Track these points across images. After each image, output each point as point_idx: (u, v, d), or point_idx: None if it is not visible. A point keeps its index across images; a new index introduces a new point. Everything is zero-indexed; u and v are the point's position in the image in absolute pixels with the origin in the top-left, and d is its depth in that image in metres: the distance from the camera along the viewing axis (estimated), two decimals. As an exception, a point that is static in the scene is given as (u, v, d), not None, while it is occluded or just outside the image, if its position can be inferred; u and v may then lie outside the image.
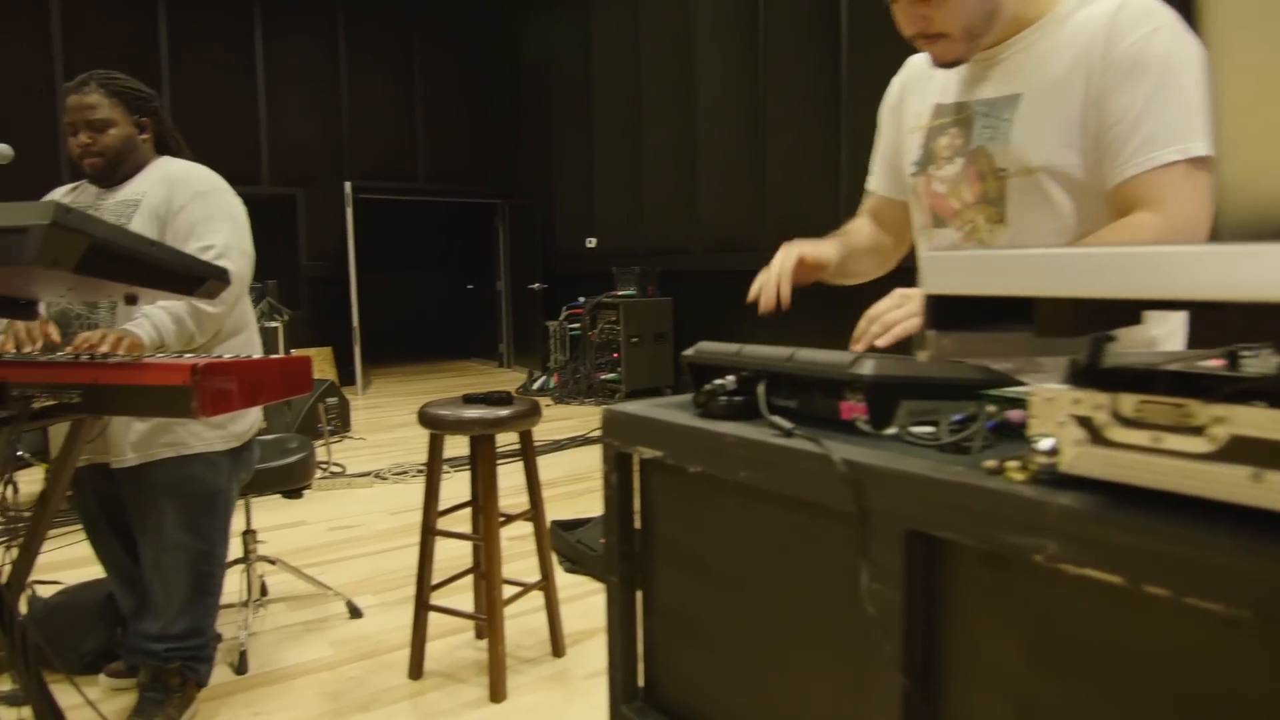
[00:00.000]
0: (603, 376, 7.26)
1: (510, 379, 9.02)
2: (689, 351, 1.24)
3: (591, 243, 8.42)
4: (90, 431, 1.73)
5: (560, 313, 8.36)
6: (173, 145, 2.24)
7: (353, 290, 7.74)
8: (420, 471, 4.71)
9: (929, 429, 0.97)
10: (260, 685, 2.28)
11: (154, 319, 1.97)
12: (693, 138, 7.08)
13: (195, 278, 1.47)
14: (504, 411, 2.21)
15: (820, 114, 5.88)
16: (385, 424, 6.20)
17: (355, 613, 2.73)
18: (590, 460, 5.01)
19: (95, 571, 2.38)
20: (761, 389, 1.07)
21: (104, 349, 1.80)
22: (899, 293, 1.11)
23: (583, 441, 5.52)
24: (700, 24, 6.92)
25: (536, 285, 8.84)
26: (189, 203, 2.07)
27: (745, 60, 6.50)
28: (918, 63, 1.48)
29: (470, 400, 2.29)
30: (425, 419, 2.22)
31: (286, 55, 8.00)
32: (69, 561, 2.92)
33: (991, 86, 1.29)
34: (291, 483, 2.53)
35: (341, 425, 5.51)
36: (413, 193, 8.90)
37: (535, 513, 2.39)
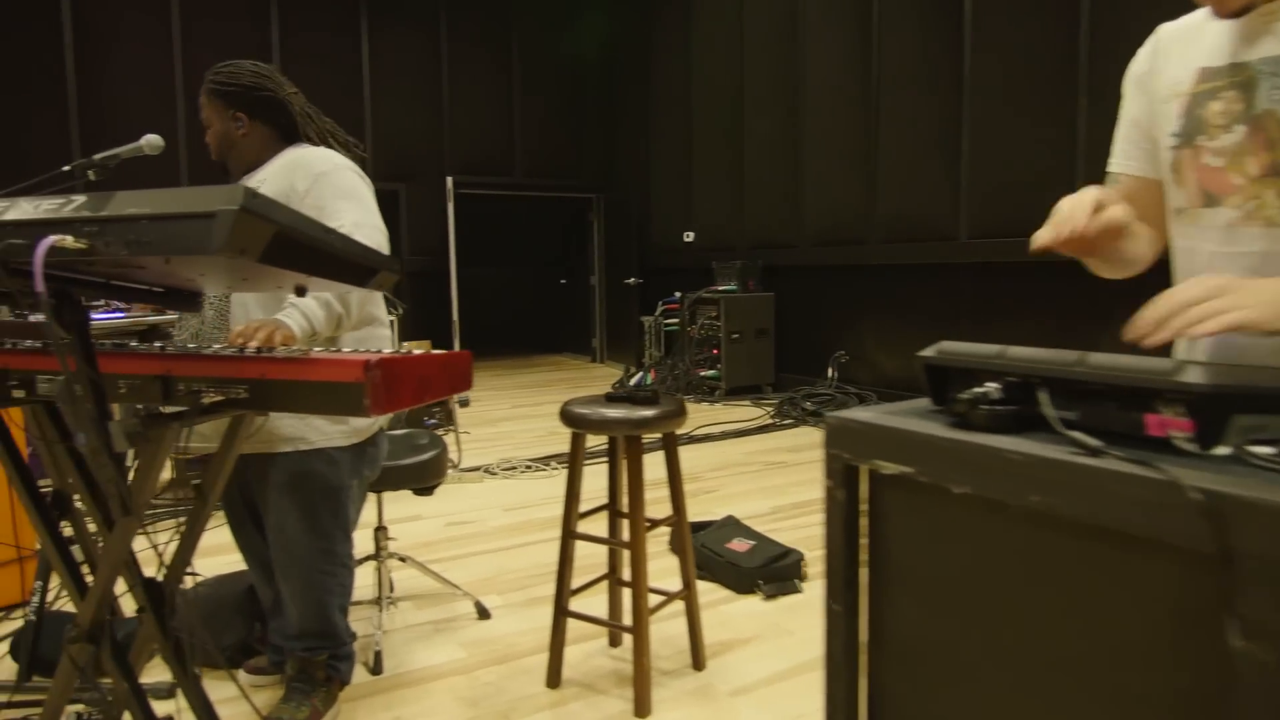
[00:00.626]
0: (702, 373, 7.12)
1: (603, 374, 8.97)
2: (928, 352, 1.09)
3: (689, 237, 8.28)
4: (250, 426, 1.69)
5: (655, 308, 8.26)
6: (311, 134, 2.19)
7: (453, 284, 7.80)
8: (529, 467, 4.66)
9: (1271, 449, 0.80)
10: (397, 687, 2.23)
11: (303, 307, 1.91)
12: (798, 128, 6.87)
13: (368, 268, 1.40)
14: (650, 411, 2.10)
15: (939, 103, 5.60)
16: (487, 418, 6.21)
17: (484, 613, 2.67)
18: (695, 459, 4.88)
19: (234, 562, 2.37)
20: (1045, 399, 0.92)
21: (256, 343, 1.75)
22: (1211, 282, 0.93)
23: (687, 440, 5.40)
24: (809, 10, 6.70)
25: (632, 280, 8.76)
26: (312, 186, 1.99)
27: (857, 48, 6.25)
28: (1171, 28, 1.29)
29: (614, 399, 2.18)
30: (569, 418, 2.13)
31: (391, 52, 8.12)
32: (205, 549, 2.94)
33: (1278, 42, 1.10)
34: (424, 480, 2.48)
35: (445, 420, 5.53)
36: (510, 187, 8.93)
37: (678, 518, 2.27)
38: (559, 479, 4.42)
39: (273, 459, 2.00)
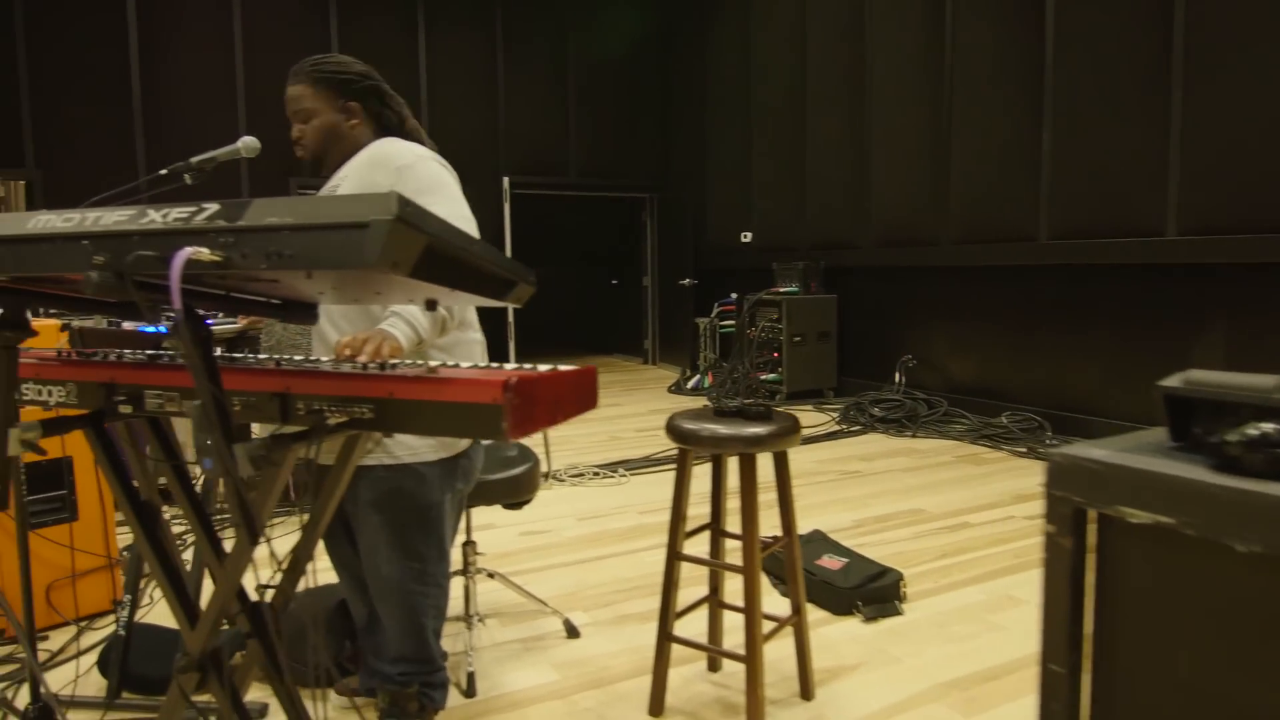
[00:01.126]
0: (763, 377, 6.98)
1: (655, 376, 8.86)
2: (1172, 381, 0.95)
3: (747, 237, 8.14)
4: (366, 444, 1.61)
5: (710, 309, 8.13)
6: (406, 126, 2.10)
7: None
8: (597, 474, 4.57)
9: None
10: (492, 712, 2.14)
11: (407, 315, 1.82)
12: (864, 126, 6.69)
13: (507, 280, 1.30)
14: (765, 428, 1.98)
15: (1019, 99, 5.39)
16: (546, 421, 6.12)
17: (572, 631, 2.57)
18: (765, 467, 4.74)
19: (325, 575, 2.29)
20: (1360, 443, 0.78)
21: (366, 356, 1.67)
22: None
23: (754, 446, 5.25)
24: (876, 5, 6.51)
25: (686, 281, 8.64)
26: (395, 181, 1.89)
27: (929, 42, 6.06)
28: None
29: (722, 414, 2.07)
30: (678, 433, 2.02)
31: (447, 52, 8.09)
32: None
33: None
34: (518, 495, 2.39)
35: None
36: (564, 187, 8.85)
37: (788, 539, 2.15)
38: (628, 488, 4.32)
39: (361, 474, 1.91)
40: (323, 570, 2.25)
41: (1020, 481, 4.39)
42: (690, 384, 7.59)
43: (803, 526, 3.33)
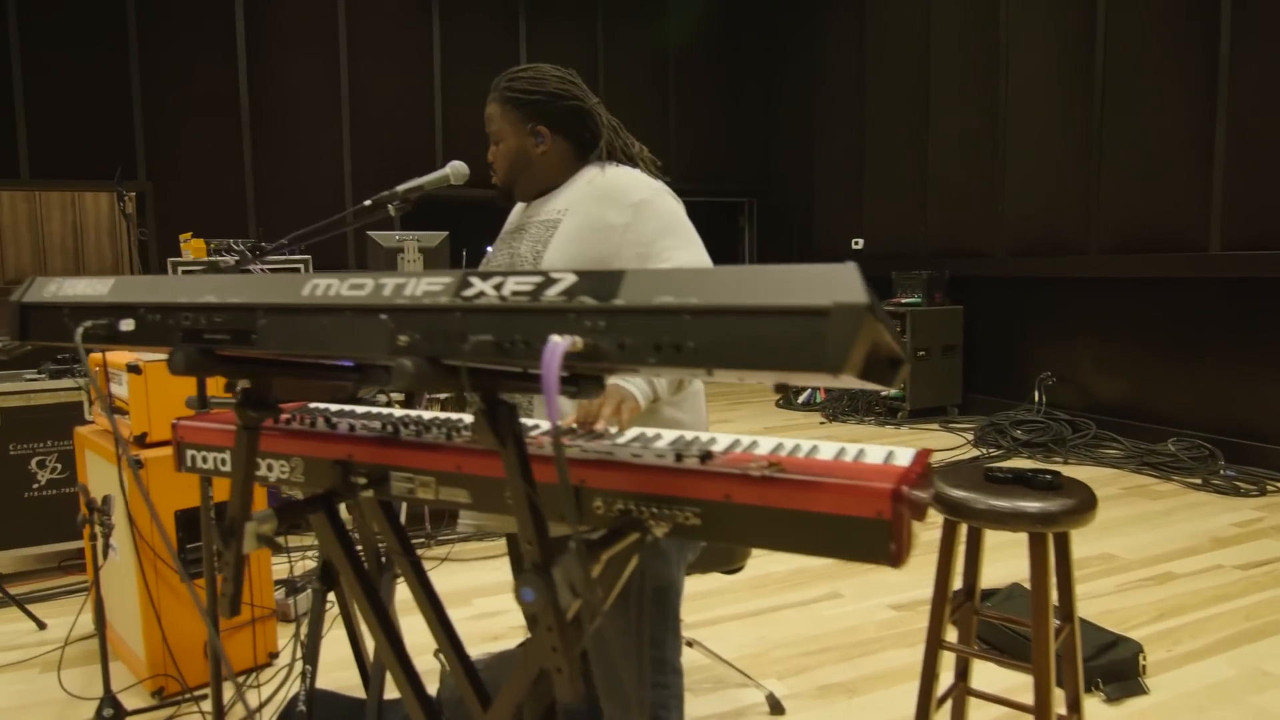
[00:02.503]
0: (884, 393, 6.60)
1: (756, 388, 8.53)
2: None
3: (858, 244, 7.75)
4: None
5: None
6: (615, 151, 1.84)
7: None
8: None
9: None
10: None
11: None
12: (999, 127, 6.25)
13: (898, 360, 1.02)
14: (1058, 504, 1.66)
15: (1185, 96, 4.92)
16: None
17: (776, 707, 2.29)
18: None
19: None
20: None
21: (605, 421, 1.40)
22: None
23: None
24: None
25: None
26: (631, 219, 1.64)
27: (1076, 31, 5.60)
28: None
29: (995, 479, 1.76)
30: (950, 506, 1.72)
31: (549, 55, 7.89)
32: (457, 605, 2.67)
33: None
34: (733, 562, 2.12)
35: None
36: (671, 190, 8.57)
37: (1070, 628, 1.82)
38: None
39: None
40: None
41: (1210, 521, 3.96)
42: (801, 398, 7.25)
43: (988, 575, 2.99)
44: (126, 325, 1.08)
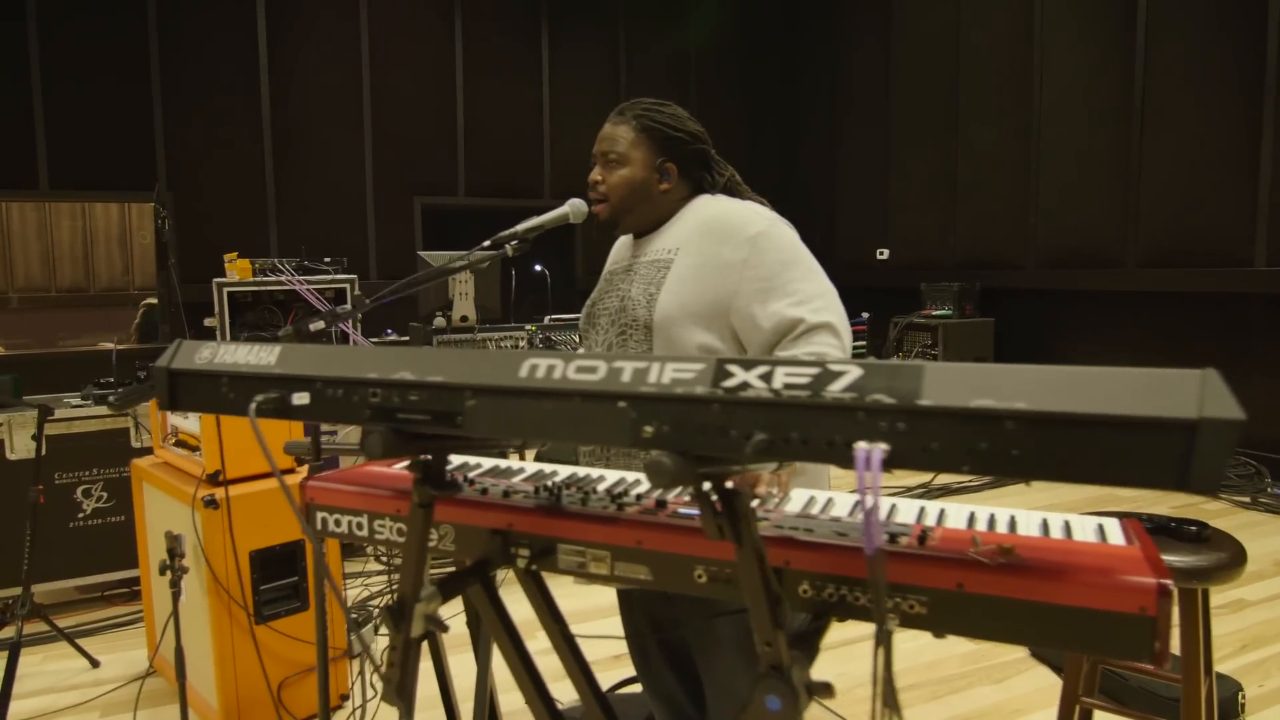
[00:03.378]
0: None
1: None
2: None
3: (883, 254, 7.69)
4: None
5: (839, 329, 7.70)
6: (719, 187, 1.77)
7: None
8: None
9: None
10: None
11: None
12: (1033, 137, 6.20)
13: None
14: (1206, 559, 1.59)
15: (1230, 104, 4.87)
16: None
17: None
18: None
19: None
20: None
21: (763, 487, 1.33)
22: None
23: (941, 491, 4.84)
24: (1049, 2, 6.02)
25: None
26: (750, 254, 1.55)
27: (1115, 41, 5.55)
28: None
29: (1136, 529, 1.68)
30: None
31: (569, 65, 7.82)
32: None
33: None
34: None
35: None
36: (684, 201, 8.50)
37: (1209, 681, 1.75)
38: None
39: (720, 609, 1.58)
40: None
41: (1270, 541, 3.90)
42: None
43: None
44: (300, 399, 1.00)
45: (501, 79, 7.52)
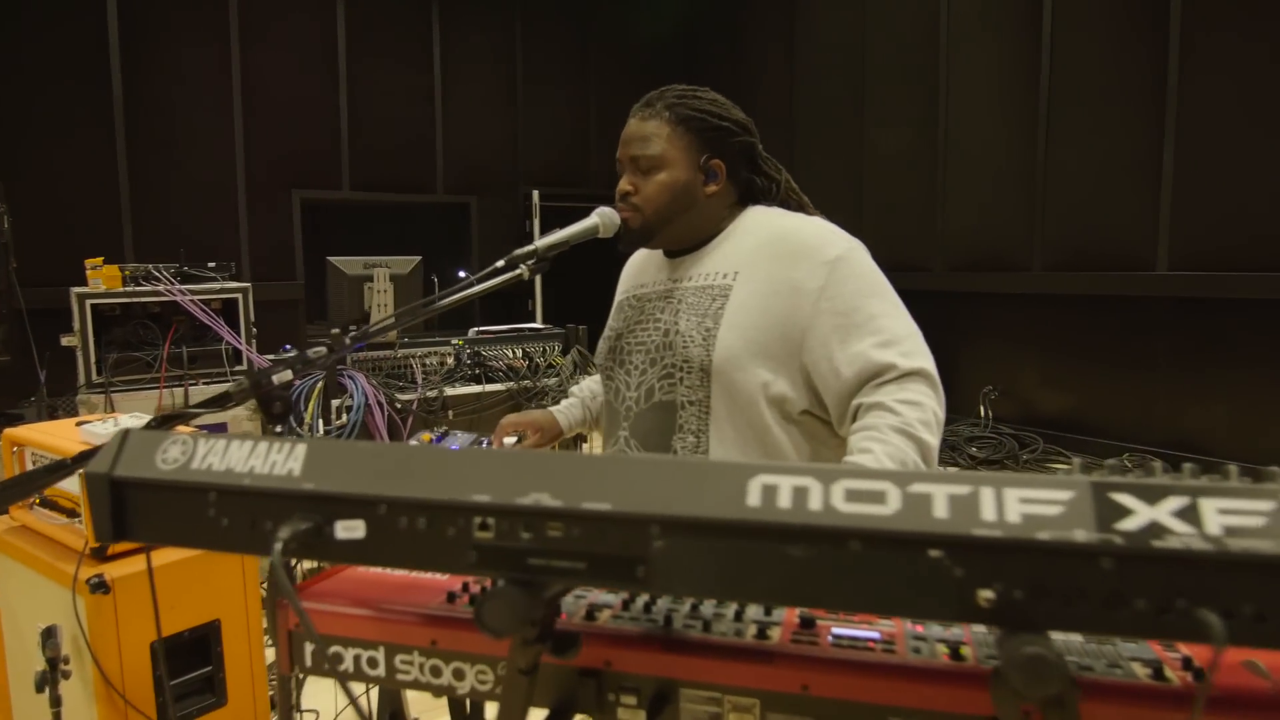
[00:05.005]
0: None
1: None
2: None
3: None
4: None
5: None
6: (792, 201, 1.49)
7: (538, 306, 7.07)
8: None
9: None
10: None
11: (894, 447, 1.21)
12: (939, 142, 6.25)
13: None
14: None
15: (1134, 111, 5.02)
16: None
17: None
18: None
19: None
20: None
21: None
22: None
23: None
24: (956, 8, 6.09)
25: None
26: (827, 281, 1.30)
27: (1021, 50, 5.64)
28: None
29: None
30: None
31: (463, 54, 7.33)
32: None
33: None
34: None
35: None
36: (584, 199, 8.15)
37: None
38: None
39: None
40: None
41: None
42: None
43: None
44: (350, 531, 0.64)
45: (389, 64, 6.94)
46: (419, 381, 3.17)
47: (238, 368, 3.20)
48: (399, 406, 3.01)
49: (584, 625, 0.91)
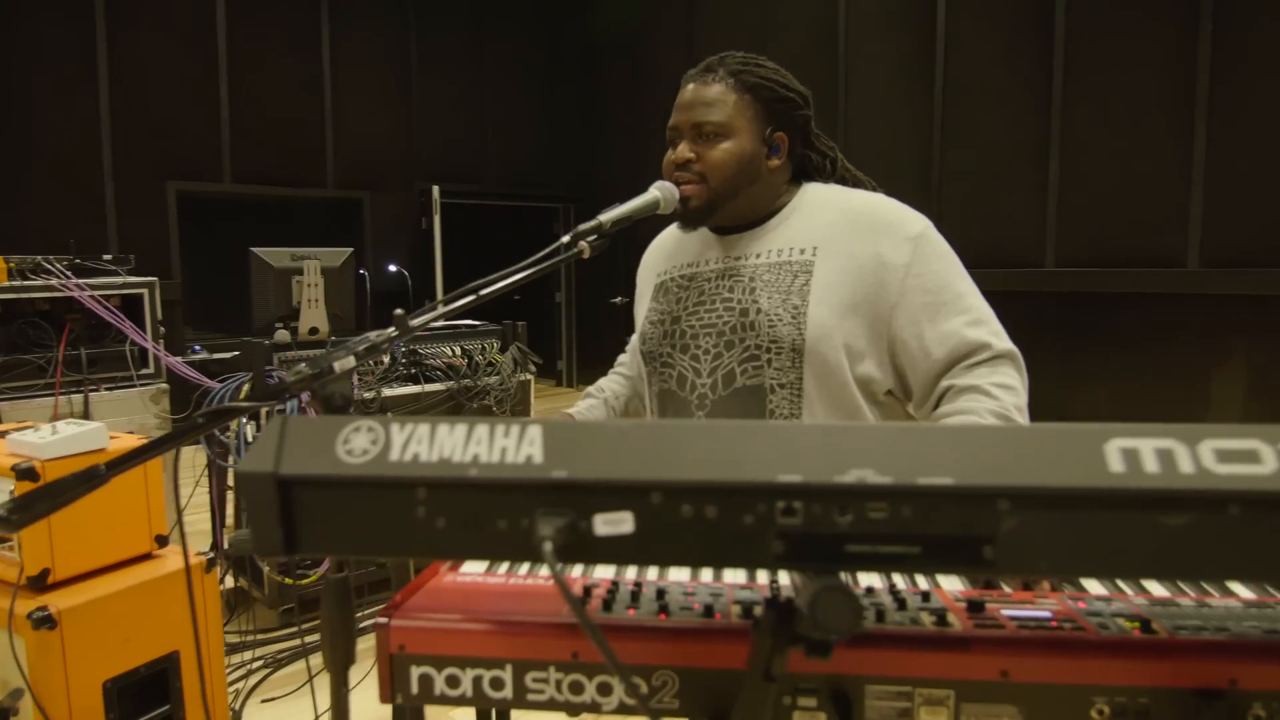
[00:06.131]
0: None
1: (575, 398, 8.21)
2: None
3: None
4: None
5: (646, 329, 7.58)
6: (838, 174, 1.45)
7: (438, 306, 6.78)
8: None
9: None
10: None
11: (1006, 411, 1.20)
12: (838, 138, 6.42)
13: None
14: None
15: (1024, 119, 5.34)
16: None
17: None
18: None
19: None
20: None
21: None
22: None
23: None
24: (853, 12, 6.29)
25: (618, 299, 8.04)
26: (913, 257, 1.26)
27: (917, 56, 5.89)
28: None
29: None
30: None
31: (354, 40, 6.96)
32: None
33: None
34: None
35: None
36: (480, 196, 7.94)
37: None
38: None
39: None
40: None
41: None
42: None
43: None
44: (614, 525, 0.55)
45: (274, 49, 6.51)
46: (354, 383, 2.95)
47: (144, 371, 2.88)
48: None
49: (724, 625, 0.84)
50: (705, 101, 1.30)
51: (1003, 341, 1.24)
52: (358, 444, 0.58)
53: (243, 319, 3.07)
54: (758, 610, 0.86)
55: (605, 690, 0.83)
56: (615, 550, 0.55)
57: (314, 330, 2.90)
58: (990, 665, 0.78)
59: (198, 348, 3.22)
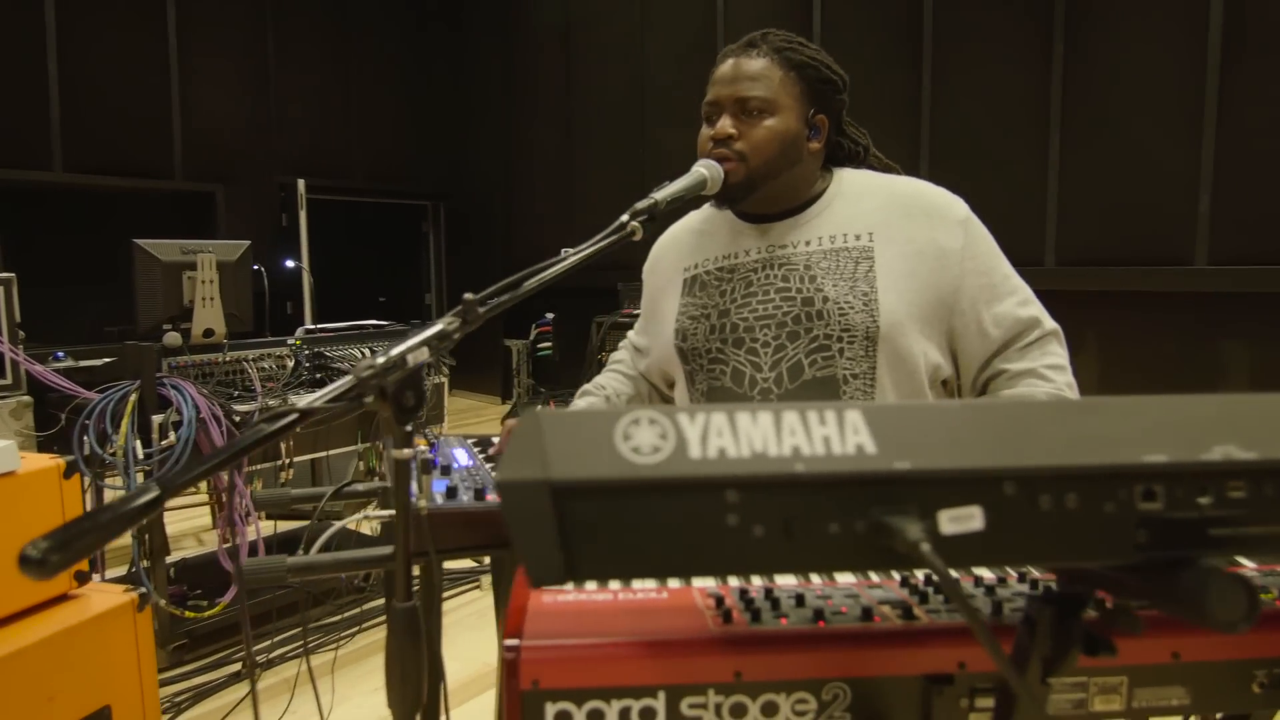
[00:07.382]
0: (626, 405, 6.52)
1: (459, 406, 7.95)
2: None
3: (569, 252, 7.55)
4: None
5: (523, 330, 7.44)
6: (858, 157, 1.42)
7: (306, 303, 6.33)
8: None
9: None
10: None
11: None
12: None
13: None
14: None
15: (895, 124, 5.61)
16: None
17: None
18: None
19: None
20: None
21: None
22: None
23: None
24: (731, 16, 6.41)
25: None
26: (965, 241, 1.26)
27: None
28: None
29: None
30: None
31: (203, 19, 6.38)
32: None
33: None
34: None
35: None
36: (348, 192, 7.50)
37: None
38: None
39: None
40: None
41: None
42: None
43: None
44: (961, 521, 0.48)
45: (111, 23, 5.86)
46: (258, 389, 2.67)
47: (0, 381, 2.48)
48: (238, 419, 2.51)
49: (926, 624, 0.79)
50: (750, 76, 1.25)
51: (1048, 319, 1.27)
52: (644, 439, 0.48)
53: (93, 323, 2.71)
54: (916, 610, 0.81)
55: (771, 710, 0.76)
56: (956, 551, 0.49)
57: (209, 332, 2.61)
58: (1162, 648, 0.77)
59: (61, 354, 2.82)
